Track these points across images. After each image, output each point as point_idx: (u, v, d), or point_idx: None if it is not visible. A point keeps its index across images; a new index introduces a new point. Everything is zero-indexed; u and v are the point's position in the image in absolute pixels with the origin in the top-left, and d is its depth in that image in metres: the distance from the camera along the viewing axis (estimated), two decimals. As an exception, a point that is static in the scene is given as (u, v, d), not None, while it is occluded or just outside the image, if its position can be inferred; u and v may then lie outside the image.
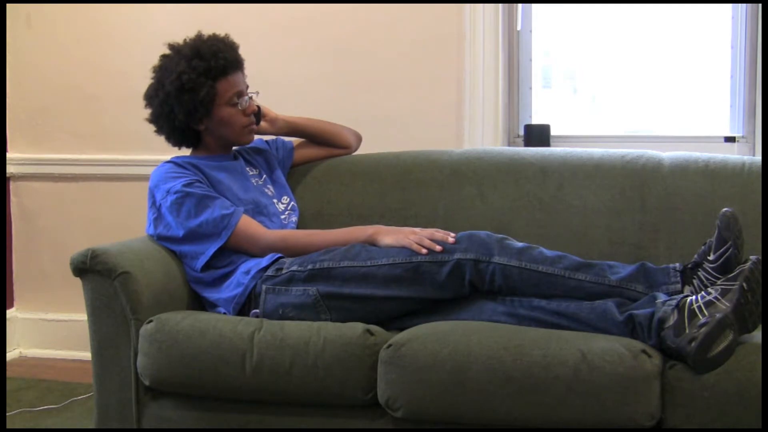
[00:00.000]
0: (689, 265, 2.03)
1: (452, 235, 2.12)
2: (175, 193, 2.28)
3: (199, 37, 2.41)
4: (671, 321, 1.83)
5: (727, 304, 1.80)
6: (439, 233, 2.13)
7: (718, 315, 1.78)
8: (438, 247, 2.08)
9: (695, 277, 1.99)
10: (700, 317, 1.80)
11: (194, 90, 2.33)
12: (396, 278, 2.09)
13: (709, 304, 1.82)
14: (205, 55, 2.34)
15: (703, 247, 2.02)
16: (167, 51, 2.41)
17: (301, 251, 2.23)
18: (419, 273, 2.08)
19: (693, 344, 1.77)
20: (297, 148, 2.68)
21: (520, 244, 2.09)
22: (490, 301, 2.08)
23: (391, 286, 2.09)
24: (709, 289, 1.86)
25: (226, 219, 2.26)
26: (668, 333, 1.82)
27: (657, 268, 2.05)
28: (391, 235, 2.18)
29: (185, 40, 2.41)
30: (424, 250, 2.08)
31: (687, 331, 1.79)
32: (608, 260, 2.13)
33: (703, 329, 1.77)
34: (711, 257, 1.97)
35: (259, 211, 2.38)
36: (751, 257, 1.88)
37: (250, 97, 2.45)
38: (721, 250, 1.96)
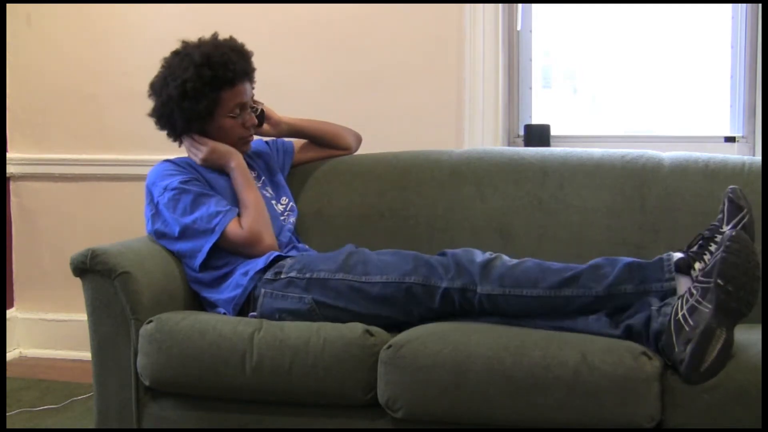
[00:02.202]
0: (692, 250, 1.96)
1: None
2: (172, 189, 2.28)
3: (213, 41, 2.36)
4: (664, 336, 1.81)
5: (709, 306, 1.76)
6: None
7: (701, 325, 1.74)
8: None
9: (700, 260, 1.93)
10: (686, 328, 1.77)
11: (196, 99, 2.30)
12: (387, 298, 2.07)
13: (692, 310, 1.79)
14: (214, 65, 2.30)
15: (705, 232, 1.96)
16: (179, 47, 2.36)
17: (257, 215, 2.28)
18: (411, 295, 2.05)
19: (683, 365, 1.75)
20: (297, 149, 2.67)
21: (502, 267, 2.02)
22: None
23: (383, 306, 2.07)
24: (691, 289, 1.82)
25: (220, 215, 2.25)
26: (663, 351, 1.82)
27: (647, 263, 1.98)
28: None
29: (200, 39, 2.37)
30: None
31: (676, 349, 1.77)
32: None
33: (689, 347, 1.74)
34: (725, 228, 1.91)
35: (258, 211, 2.37)
36: (723, 239, 1.82)
37: (254, 109, 2.43)
38: (738, 216, 1.92)
